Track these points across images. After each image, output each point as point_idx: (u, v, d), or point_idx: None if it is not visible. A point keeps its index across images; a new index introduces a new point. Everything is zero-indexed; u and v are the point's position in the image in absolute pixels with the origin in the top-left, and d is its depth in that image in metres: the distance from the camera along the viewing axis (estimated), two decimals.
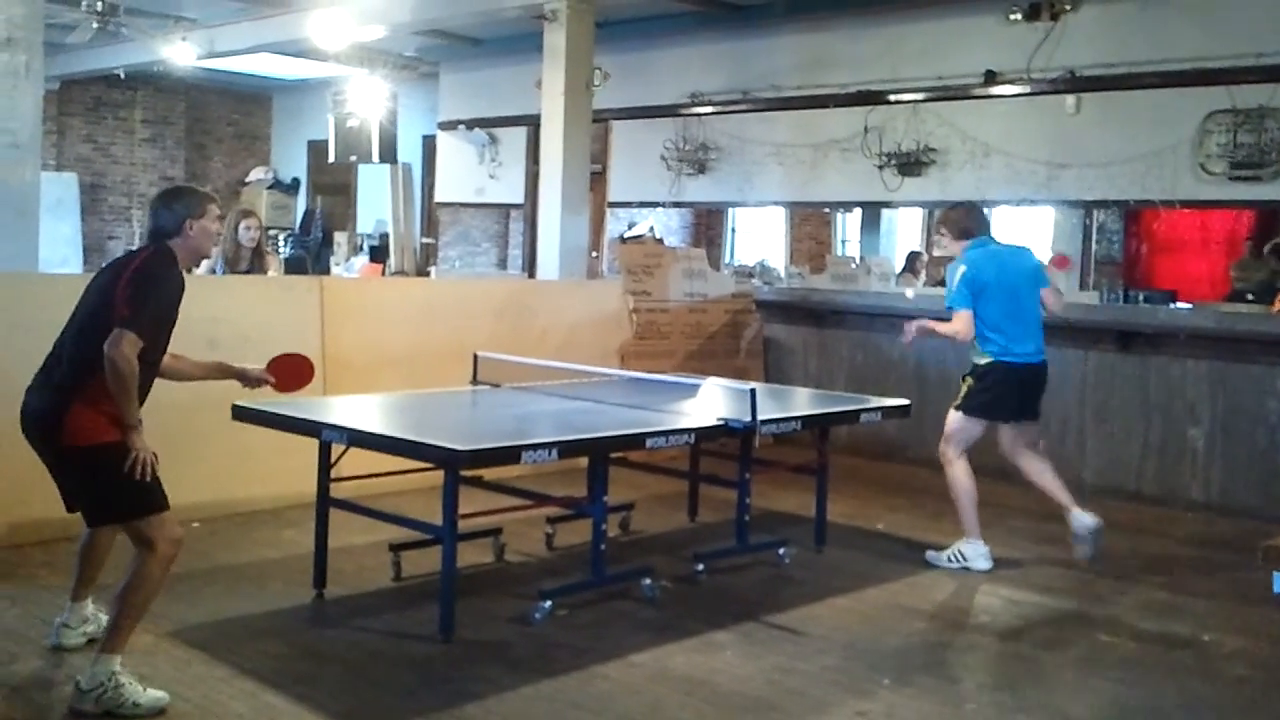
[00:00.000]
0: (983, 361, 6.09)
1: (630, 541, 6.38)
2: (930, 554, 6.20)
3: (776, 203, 13.28)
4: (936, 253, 6.49)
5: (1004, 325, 6.03)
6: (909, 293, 6.65)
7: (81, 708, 3.85)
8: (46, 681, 4.13)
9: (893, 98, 10.49)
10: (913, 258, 12.27)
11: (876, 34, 10.76)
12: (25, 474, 5.77)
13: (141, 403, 4.14)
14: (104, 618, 4.26)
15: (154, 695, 3.91)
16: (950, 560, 6.11)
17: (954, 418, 6.19)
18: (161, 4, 12.36)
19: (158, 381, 4.48)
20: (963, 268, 6.07)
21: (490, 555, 5.84)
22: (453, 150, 14.74)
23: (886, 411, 6.42)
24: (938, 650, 4.83)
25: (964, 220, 6.29)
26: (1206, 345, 7.57)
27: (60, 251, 14.97)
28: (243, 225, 7.88)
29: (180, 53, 12.96)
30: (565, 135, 9.44)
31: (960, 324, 6.00)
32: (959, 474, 6.15)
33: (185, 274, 4.35)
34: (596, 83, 9.76)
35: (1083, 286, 12.35)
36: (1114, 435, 7.91)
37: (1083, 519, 6.03)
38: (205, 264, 8.04)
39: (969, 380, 6.17)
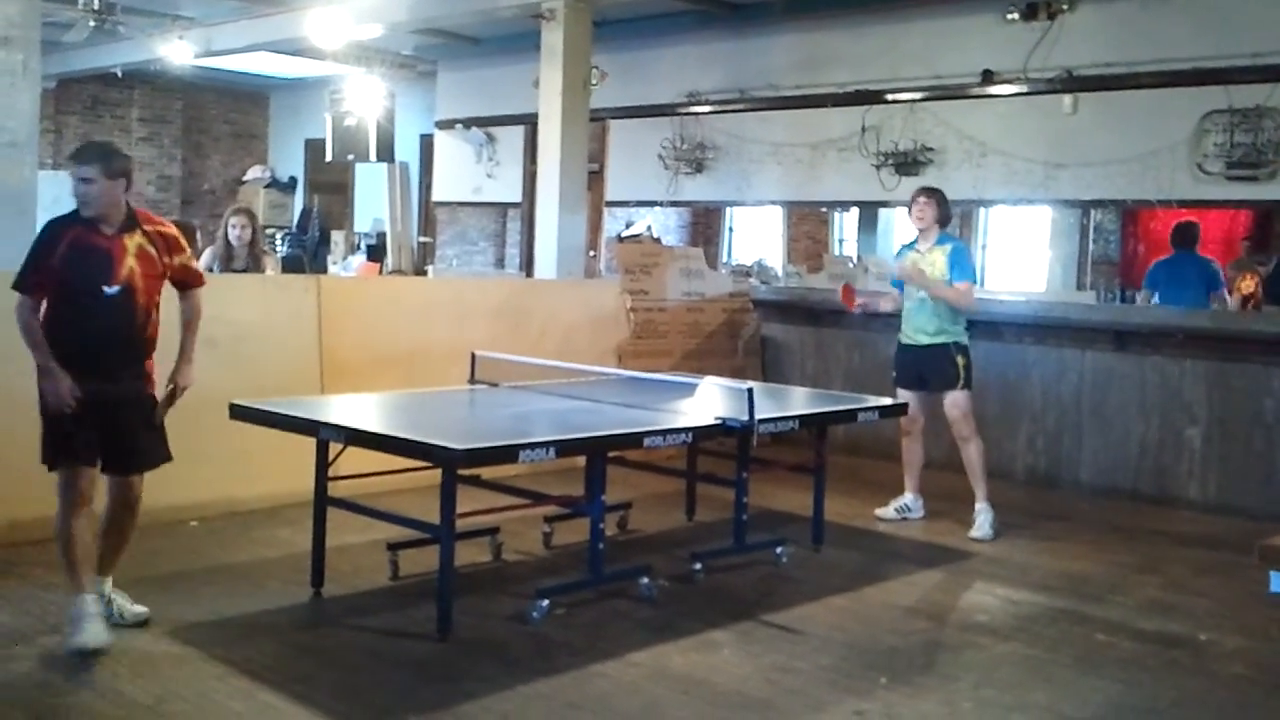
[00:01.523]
0: (966, 340, 6.82)
1: (628, 540, 6.38)
2: (977, 533, 6.62)
3: (774, 202, 13.27)
4: (916, 222, 6.96)
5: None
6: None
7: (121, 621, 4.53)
8: (41, 682, 4.12)
9: (890, 97, 10.48)
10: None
11: (874, 33, 10.75)
12: (20, 472, 5.78)
13: (113, 347, 4.53)
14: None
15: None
16: (993, 526, 6.65)
17: (966, 397, 6.76)
18: (159, 2, 12.34)
19: (159, 382, 4.58)
20: (968, 251, 6.99)
21: (488, 554, 5.84)
22: (450, 149, 14.72)
23: (884, 411, 6.46)
24: (935, 649, 4.83)
25: (949, 209, 7.02)
26: (1203, 345, 7.58)
27: None
28: (231, 223, 7.89)
29: (177, 51, 12.94)
30: (563, 134, 9.43)
31: (970, 298, 6.77)
32: (982, 445, 6.82)
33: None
34: (594, 82, 9.75)
35: (1080, 286, 12.38)
36: (1111, 435, 7.92)
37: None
38: (201, 262, 8.09)
39: (963, 359, 6.75)
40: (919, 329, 6.79)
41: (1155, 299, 9.04)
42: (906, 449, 7.02)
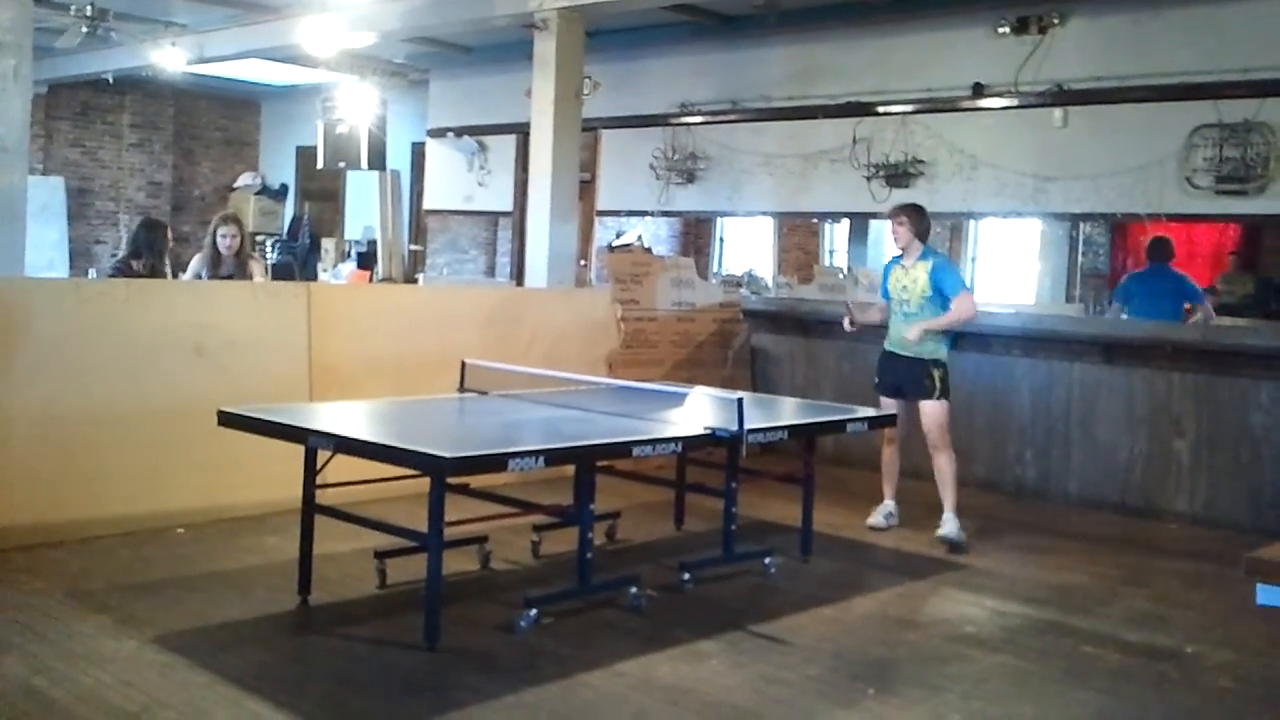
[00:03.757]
0: (945, 355, 6.85)
1: (616, 550, 6.37)
2: (945, 530, 6.66)
3: (765, 213, 13.30)
4: (896, 240, 7.01)
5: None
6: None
7: None
8: (28, 690, 4.10)
9: (881, 109, 10.52)
10: None
11: (866, 46, 10.80)
12: (8, 478, 5.78)
13: None
14: None
15: None
16: (961, 532, 6.65)
17: (942, 408, 6.78)
18: (151, 9, 12.34)
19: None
20: (953, 263, 7.02)
21: (476, 563, 5.83)
22: (442, 157, 14.73)
23: (872, 422, 6.47)
24: (923, 661, 4.83)
25: (927, 223, 7.01)
26: (1192, 358, 7.60)
27: (46, 256, 14.93)
28: (220, 232, 7.88)
29: (169, 58, 12.93)
30: (554, 143, 9.44)
31: (971, 304, 6.83)
32: (953, 457, 6.80)
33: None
34: (586, 91, 9.77)
35: (1069, 299, 12.42)
36: (1099, 447, 7.94)
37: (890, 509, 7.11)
38: (190, 269, 8.08)
39: (939, 370, 6.79)
40: (902, 340, 6.86)
41: (1124, 313, 9.10)
42: (889, 456, 7.10)
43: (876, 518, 7.07)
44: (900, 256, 7.01)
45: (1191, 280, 9.43)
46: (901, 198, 10.61)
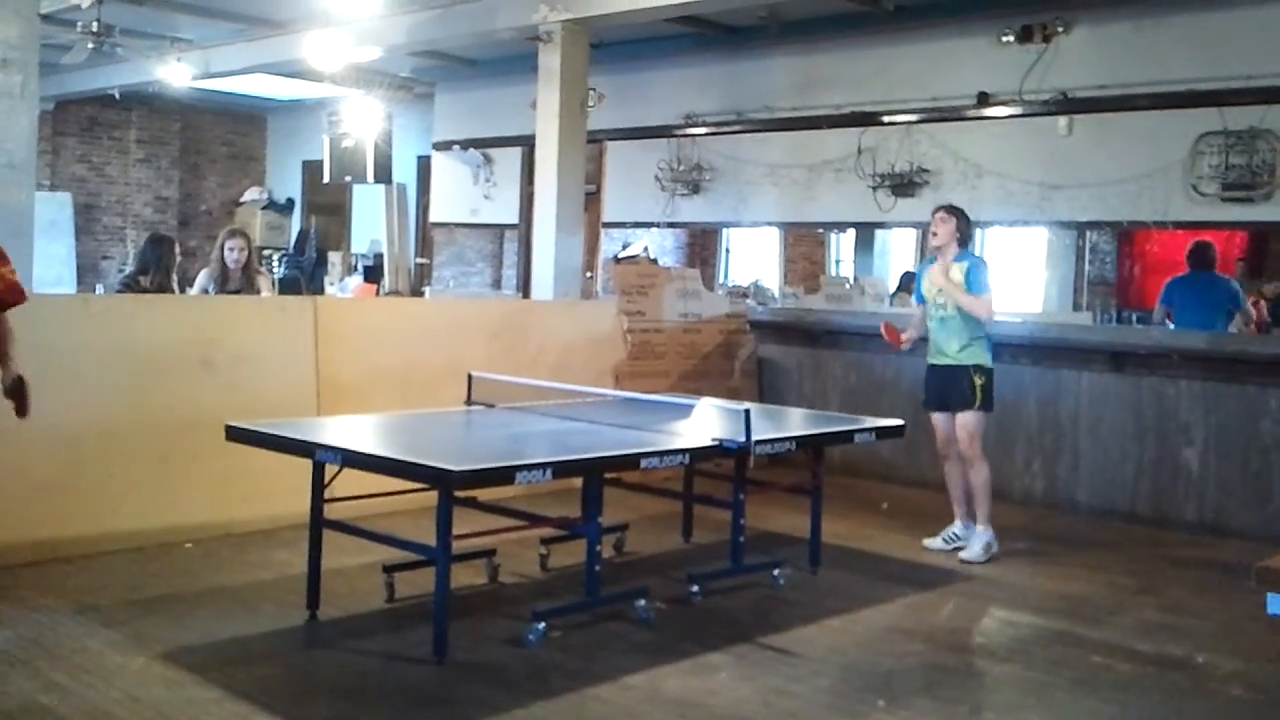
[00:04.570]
0: (987, 361, 6.69)
1: (624, 562, 6.36)
2: (967, 555, 6.56)
3: (770, 223, 13.31)
4: (934, 239, 6.82)
5: (990, 330, 6.75)
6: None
7: None
8: (37, 705, 4.10)
9: (886, 119, 10.53)
10: (907, 278, 12.29)
11: (870, 56, 10.81)
12: (17, 494, 5.78)
13: None
14: None
15: None
16: (988, 550, 6.57)
17: (974, 418, 6.64)
18: (157, 24, 12.39)
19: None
20: (986, 267, 6.75)
21: (484, 576, 5.82)
22: (447, 171, 14.77)
23: (880, 432, 6.43)
24: (933, 672, 4.81)
25: (970, 228, 6.87)
26: (1200, 366, 7.59)
27: (54, 271, 14.98)
28: (228, 246, 7.91)
29: (175, 73, 12.99)
30: (560, 156, 9.46)
31: (986, 309, 6.65)
32: (988, 469, 6.69)
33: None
34: (591, 103, 9.79)
35: (1076, 307, 12.39)
36: (1108, 456, 7.92)
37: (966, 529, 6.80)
38: (198, 284, 8.10)
39: (981, 378, 6.64)
40: (939, 349, 6.73)
41: (1169, 319, 8.95)
42: (948, 474, 6.86)
43: (936, 540, 6.85)
44: (934, 258, 6.82)
45: (1237, 284, 9.26)
46: (908, 207, 10.66)
